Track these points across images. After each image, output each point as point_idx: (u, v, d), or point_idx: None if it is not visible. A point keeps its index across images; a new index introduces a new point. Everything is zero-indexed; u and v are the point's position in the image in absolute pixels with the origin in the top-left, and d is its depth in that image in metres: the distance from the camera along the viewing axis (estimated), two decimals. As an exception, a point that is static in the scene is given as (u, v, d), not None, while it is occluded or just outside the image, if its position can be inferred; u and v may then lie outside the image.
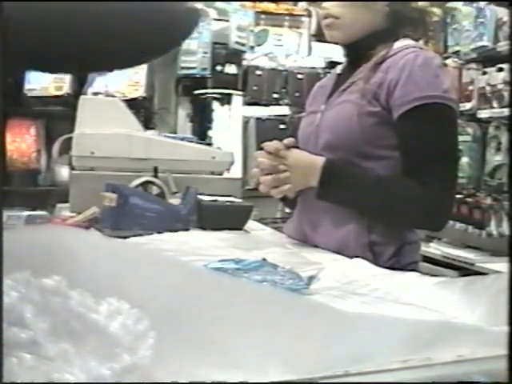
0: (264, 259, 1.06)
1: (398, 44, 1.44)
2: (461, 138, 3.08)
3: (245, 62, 4.21)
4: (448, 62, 3.39)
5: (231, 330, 0.60)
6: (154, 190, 1.68)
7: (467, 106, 3.29)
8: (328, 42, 1.58)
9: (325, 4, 1.49)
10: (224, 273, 0.93)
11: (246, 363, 0.58)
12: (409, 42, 1.45)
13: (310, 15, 4.43)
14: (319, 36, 4.19)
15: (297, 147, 1.47)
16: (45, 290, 0.53)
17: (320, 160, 1.40)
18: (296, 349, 0.60)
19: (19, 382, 0.47)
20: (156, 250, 1.11)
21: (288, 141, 1.44)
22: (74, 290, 0.54)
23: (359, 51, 1.48)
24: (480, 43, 3.24)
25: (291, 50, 4.40)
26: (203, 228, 1.58)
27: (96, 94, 3.58)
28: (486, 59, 3.27)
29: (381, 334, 0.63)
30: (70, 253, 0.59)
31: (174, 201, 1.62)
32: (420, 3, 1.52)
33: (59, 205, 1.89)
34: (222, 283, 0.66)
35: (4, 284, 0.51)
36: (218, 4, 4.24)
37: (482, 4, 3.25)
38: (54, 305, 0.52)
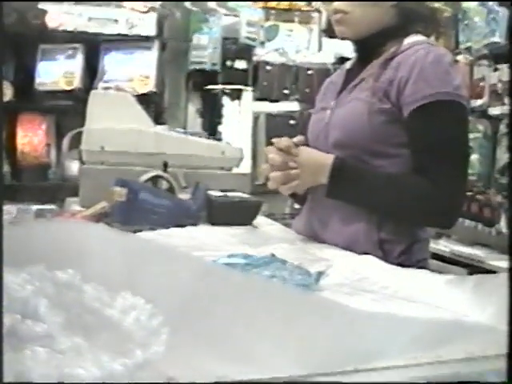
0: (273, 255, 1.06)
1: (408, 40, 1.43)
2: (471, 135, 3.06)
3: (255, 58, 4.20)
4: (459, 58, 3.37)
5: (243, 326, 0.60)
6: (164, 185, 1.68)
7: (478, 102, 3.26)
8: (338, 38, 1.58)
9: (334, 5, 1.48)
10: (234, 268, 0.93)
11: (257, 359, 0.58)
12: (419, 38, 1.44)
13: (320, 11, 4.41)
14: (329, 31, 4.17)
15: (306, 145, 1.46)
16: (59, 283, 0.53)
17: (329, 158, 1.40)
18: (306, 345, 0.60)
19: (20, 381, 0.47)
20: (167, 244, 1.11)
21: (298, 139, 1.44)
22: (88, 284, 0.54)
23: (369, 47, 1.47)
24: (492, 39, 3.21)
25: (301, 45, 4.38)
26: (212, 223, 1.58)
27: (106, 88, 3.59)
28: (498, 56, 3.24)
29: (391, 333, 0.63)
30: (80, 247, 0.59)
31: (184, 196, 1.63)
32: (429, 2, 1.51)
33: (69, 199, 1.90)
34: (233, 279, 0.66)
35: (19, 277, 0.51)
36: (228, 3, 4.23)
37: (491, 3, 3.22)
38: (69, 299, 0.52)
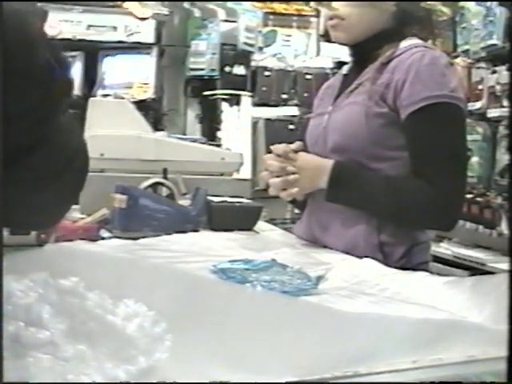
0: (273, 260, 1.07)
1: (404, 43, 1.44)
2: (471, 138, 3.06)
3: (253, 63, 4.21)
4: (457, 61, 3.37)
5: (233, 334, 0.60)
6: (164, 192, 1.68)
7: (477, 105, 3.27)
8: (336, 43, 1.58)
9: (333, 4, 1.49)
10: (234, 273, 0.94)
11: (252, 365, 0.59)
12: (415, 41, 1.45)
13: (318, 15, 4.42)
14: (327, 36, 4.17)
15: (305, 150, 1.47)
16: (62, 291, 0.53)
17: (329, 162, 1.40)
18: (296, 350, 0.61)
19: (20, 381, 0.47)
20: (157, 262, 1.10)
21: (296, 145, 1.44)
22: (91, 292, 0.54)
23: (365, 51, 1.48)
24: (490, 42, 3.22)
25: (300, 50, 4.39)
26: (213, 229, 1.58)
27: (105, 96, 3.60)
28: (496, 58, 3.25)
29: (382, 333, 0.64)
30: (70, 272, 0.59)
31: (184, 202, 1.63)
32: (426, 2, 1.52)
33: (70, 206, 1.89)
34: (220, 289, 0.66)
35: (22, 284, 0.51)
36: (228, 3, 4.24)
37: (490, 3, 3.23)
38: (72, 306, 0.52)
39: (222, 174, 1.89)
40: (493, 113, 3.21)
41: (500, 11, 3.17)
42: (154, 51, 3.88)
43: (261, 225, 1.73)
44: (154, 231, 1.42)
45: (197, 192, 1.63)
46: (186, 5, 4.20)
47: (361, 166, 1.40)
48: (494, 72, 3.22)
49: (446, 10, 3.51)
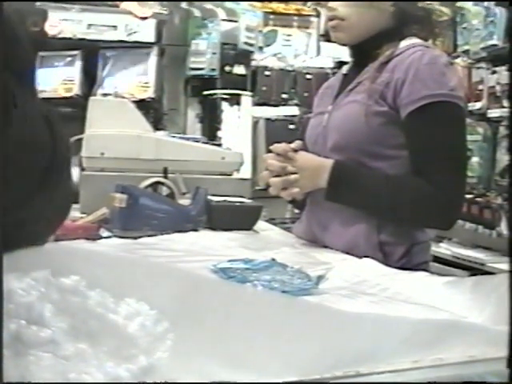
0: (273, 259, 1.07)
1: (404, 43, 1.45)
2: (471, 138, 3.06)
3: (253, 63, 4.21)
4: (457, 61, 3.38)
5: (234, 334, 0.60)
6: (164, 191, 1.69)
7: (477, 105, 3.27)
8: (336, 43, 1.59)
9: (330, 5, 1.49)
10: (234, 273, 0.94)
11: (252, 365, 0.59)
12: (415, 40, 1.45)
13: (318, 15, 4.41)
14: (328, 36, 4.17)
15: (305, 150, 1.47)
16: (64, 289, 0.53)
17: (329, 161, 1.41)
18: (297, 350, 0.61)
19: (20, 381, 0.47)
20: (157, 261, 1.10)
21: (296, 144, 1.44)
22: (93, 290, 0.54)
23: (365, 51, 1.48)
24: (490, 42, 3.22)
25: (300, 50, 4.39)
26: (213, 228, 1.58)
27: (105, 95, 3.60)
28: (496, 58, 3.25)
29: (382, 333, 0.64)
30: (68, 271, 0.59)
31: (184, 201, 1.63)
32: (426, 2, 1.52)
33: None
34: (221, 289, 0.66)
35: (24, 283, 0.51)
36: (227, 4, 4.24)
37: (487, 3, 3.23)
38: (73, 304, 0.52)
39: (222, 174, 1.89)
40: (493, 113, 3.21)
41: (500, 11, 3.17)
42: (155, 50, 3.88)
43: (260, 224, 1.73)
44: (154, 231, 1.42)
45: (197, 191, 1.63)
46: (185, 5, 4.19)
47: (360, 164, 1.40)
48: (494, 72, 3.22)
49: (445, 10, 3.51)
